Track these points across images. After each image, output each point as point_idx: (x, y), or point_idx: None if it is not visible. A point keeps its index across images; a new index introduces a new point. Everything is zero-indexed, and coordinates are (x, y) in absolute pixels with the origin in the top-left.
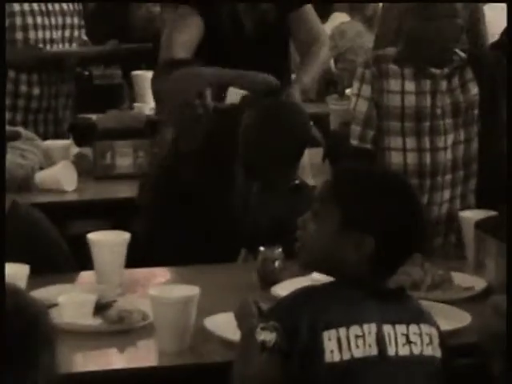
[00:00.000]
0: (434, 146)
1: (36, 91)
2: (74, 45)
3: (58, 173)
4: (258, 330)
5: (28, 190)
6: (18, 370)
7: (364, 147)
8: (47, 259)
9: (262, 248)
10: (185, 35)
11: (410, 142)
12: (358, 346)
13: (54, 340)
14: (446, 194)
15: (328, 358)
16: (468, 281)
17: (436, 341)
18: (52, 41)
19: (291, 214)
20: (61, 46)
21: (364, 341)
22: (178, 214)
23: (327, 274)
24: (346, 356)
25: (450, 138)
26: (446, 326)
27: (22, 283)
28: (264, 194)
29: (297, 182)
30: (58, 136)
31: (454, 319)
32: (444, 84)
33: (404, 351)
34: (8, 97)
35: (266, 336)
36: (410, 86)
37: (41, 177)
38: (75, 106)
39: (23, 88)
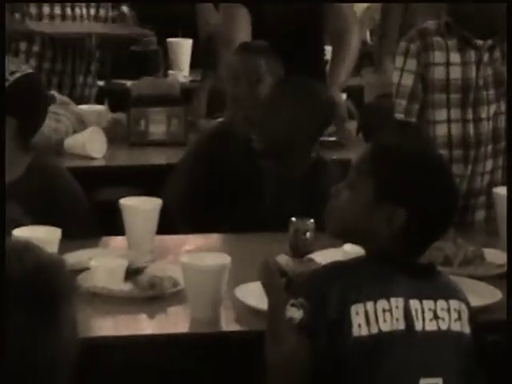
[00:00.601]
0: (478, 117)
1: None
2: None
3: (86, 139)
4: (287, 306)
5: (60, 155)
6: (38, 325)
7: (409, 121)
8: (71, 212)
9: (293, 219)
10: (241, 33)
11: (455, 114)
12: (385, 320)
13: (72, 295)
14: (489, 165)
15: (355, 331)
16: (500, 258)
17: (465, 317)
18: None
19: (314, 189)
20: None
21: (391, 315)
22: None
23: (356, 244)
24: (374, 330)
25: (492, 109)
26: (476, 302)
27: (53, 247)
28: (284, 170)
29: (316, 156)
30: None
31: (484, 296)
32: (487, 55)
33: (431, 326)
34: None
35: (294, 313)
36: (455, 57)
37: (69, 142)
38: (110, 71)
39: (48, 52)
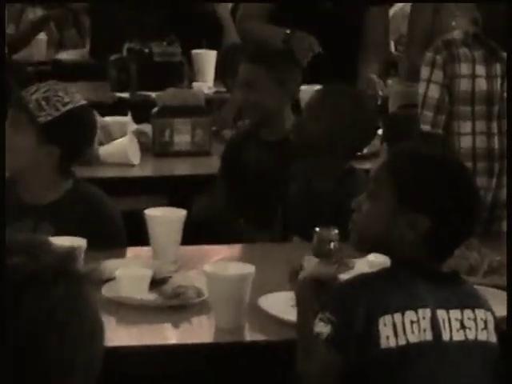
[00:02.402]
0: (503, 130)
1: None
2: None
3: (127, 146)
4: (316, 321)
5: (89, 165)
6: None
7: (436, 132)
8: (103, 240)
9: (317, 229)
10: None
11: (480, 126)
12: (413, 332)
13: (72, 277)
14: None
15: (384, 343)
16: None
17: (491, 326)
18: None
19: (345, 198)
20: None
21: (419, 326)
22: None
23: (381, 254)
24: (402, 341)
25: None
26: (502, 311)
27: (80, 257)
28: (317, 177)
29: (350, 165)
30: None
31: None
32: None
33: (458, 336)
34: None
35: (322, 328)
36: (480, 69)
37: (107, 150)
38: (135, 82)
39: None
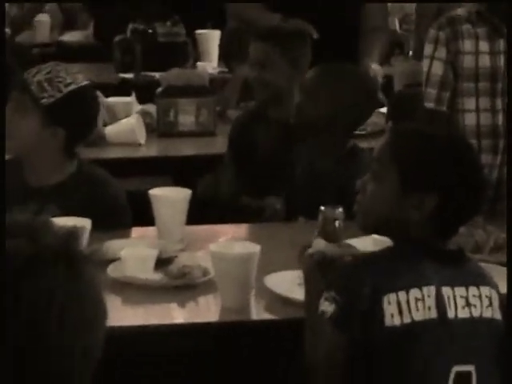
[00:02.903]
0: (507, 107)
1: None
2: None
3: (134, 125)
4: (321, 300)
5: (94, 145)
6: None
7: (440, 110)
8: (108, 221)
9: (322, 208)
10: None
11: (484, 103)
12: (418, 309)
13: (73, 258)
14: None
15: (388, 321)
16: None
17: (496, 303)
18: None
19: (348, 178)
20: None
21: (424, 304)
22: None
23: (387, 236)
24: (407, 319)
25: None
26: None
27: (84, 237)
28: (319, 158)
29: (352, 144)
30: None
31: None
32: None
33: (464, 314)
34: None
35: (326, 307)
36: (484, 46)
37: (113, 129)
38: (139, 63)
39: None
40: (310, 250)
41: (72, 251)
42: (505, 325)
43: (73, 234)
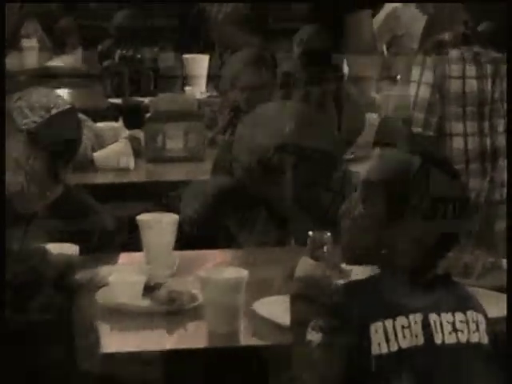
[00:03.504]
0: (494, 130)
1: None
2: None
3: (121, 151)
4: (308, 329)
5: (82, 170)
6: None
7: (427, 134)
8: (95, 247)
9: (310, 232)
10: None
11: (471, 127)
12: (404, 337)
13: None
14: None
15: (375, 350)
16: None
17: (482, 327)
18: None
19: (335, 202)
20: None
21: (410, 331)
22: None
23: (372, 264)
24: (393, 347)
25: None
26: (496, 313)
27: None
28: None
29: (343, 170)
30: None
31: (504, 307)
32: (504, 67)
33: (451, 339)
34: None
35: (313, 336)
36: (471, 70)
37: (100, 155)
38: (127, 88)
39: None
40: (297, 271)
41: (70, 282)
42: (492, 349)
43: (69, 264)
